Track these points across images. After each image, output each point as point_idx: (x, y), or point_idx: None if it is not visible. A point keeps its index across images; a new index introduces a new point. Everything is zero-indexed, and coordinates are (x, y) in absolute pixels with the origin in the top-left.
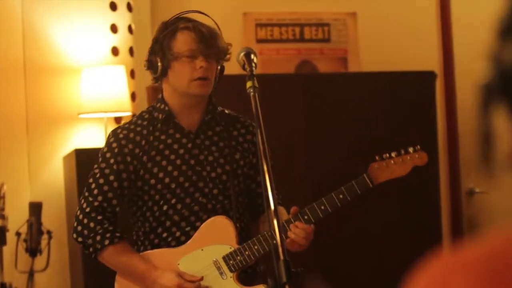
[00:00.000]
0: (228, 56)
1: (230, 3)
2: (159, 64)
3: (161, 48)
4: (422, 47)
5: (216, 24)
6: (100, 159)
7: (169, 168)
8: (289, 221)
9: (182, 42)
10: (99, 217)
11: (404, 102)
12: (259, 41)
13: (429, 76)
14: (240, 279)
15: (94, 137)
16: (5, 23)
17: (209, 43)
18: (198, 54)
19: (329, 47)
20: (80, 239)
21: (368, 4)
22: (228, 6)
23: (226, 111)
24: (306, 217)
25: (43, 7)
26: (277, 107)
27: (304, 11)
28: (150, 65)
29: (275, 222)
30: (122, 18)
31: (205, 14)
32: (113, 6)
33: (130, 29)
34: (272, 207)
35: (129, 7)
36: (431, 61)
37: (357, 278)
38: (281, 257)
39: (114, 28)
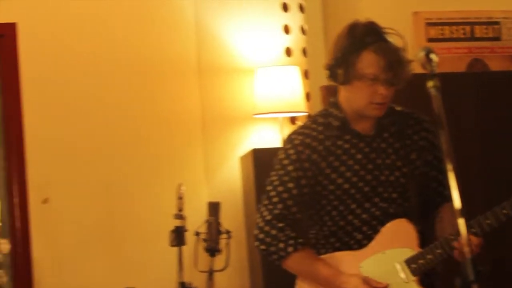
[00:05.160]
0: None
1: (399, 2)
2: (341, 76)
3: (345, 60)
4: None
5: (405, 42)
6: (278, 166)
7: (348, 174)
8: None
9: (368, 63)
10: (281, 225)
11: None
12: (430, 40)
13: None
14: (421, 281)
15: (270, 137)
16: (178, 24)
17: (394, 72)
18: (382, 81)
19: (500, 45)
20: (263, 247)
21: None
22: (397, 5)
23: (398, 109)
24: (473, 230)
25: (215, 8)
26: (449, 106)
27: (474, 9)
28: (332, 74)
29: (460, 222)
30: (294, 18)
31: (396, 34)
32: (285, 7)
33: (302, 30)
34: (458, 207)
35: (301, 8)
36: None
37: None
38: (468, 255)
39: (286, 29)
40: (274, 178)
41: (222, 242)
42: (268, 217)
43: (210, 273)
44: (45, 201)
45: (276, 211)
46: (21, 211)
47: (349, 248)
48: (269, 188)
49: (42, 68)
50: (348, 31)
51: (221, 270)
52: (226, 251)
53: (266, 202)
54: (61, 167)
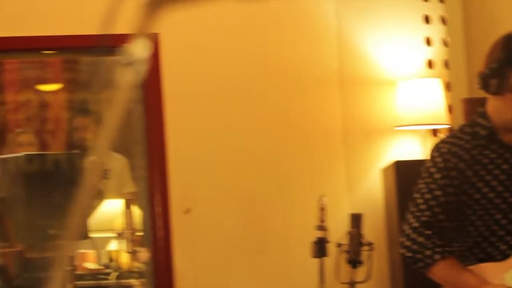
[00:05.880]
0: None
1: None
2: (493, 86)
3: (499, 72)
4: None
5: None
6: (425, 175)
7: (494, 183)
8: None
9: None
10: (428, 232)
11: None
12: None
13: None
14: None
15: (412, 149)
16: (320, 35)
17: None
18: None
19: None
20: (409, 254)
21: None
22: None
23: None
24: None
25: (357, 20)
26: None
27: None
28: (484, 83)
29: None
30: (436, 30)
31: None
32: (426, 19)
33: (444, 42)
34: None
35: (443, 20)
36: None
37: None
38: None
39: (428, 41)
40: (422, 186)
41: (364, 253)
42: (415, 224)
43: (352, 284)
44: (187, 211)
45: (424, 218)
46: (163, 221)
47: (493, 259)
48: (416, 195)
49: (184, 79)
50: (504, 42)
51: (363, 282)
52: (368, 263)
53: (413, 209)
54: (202, 178)
